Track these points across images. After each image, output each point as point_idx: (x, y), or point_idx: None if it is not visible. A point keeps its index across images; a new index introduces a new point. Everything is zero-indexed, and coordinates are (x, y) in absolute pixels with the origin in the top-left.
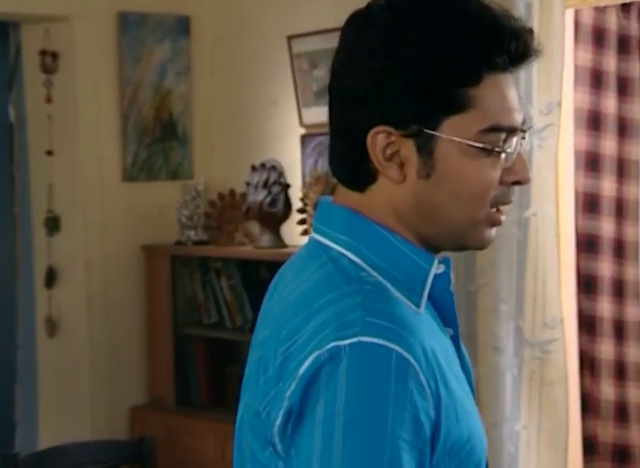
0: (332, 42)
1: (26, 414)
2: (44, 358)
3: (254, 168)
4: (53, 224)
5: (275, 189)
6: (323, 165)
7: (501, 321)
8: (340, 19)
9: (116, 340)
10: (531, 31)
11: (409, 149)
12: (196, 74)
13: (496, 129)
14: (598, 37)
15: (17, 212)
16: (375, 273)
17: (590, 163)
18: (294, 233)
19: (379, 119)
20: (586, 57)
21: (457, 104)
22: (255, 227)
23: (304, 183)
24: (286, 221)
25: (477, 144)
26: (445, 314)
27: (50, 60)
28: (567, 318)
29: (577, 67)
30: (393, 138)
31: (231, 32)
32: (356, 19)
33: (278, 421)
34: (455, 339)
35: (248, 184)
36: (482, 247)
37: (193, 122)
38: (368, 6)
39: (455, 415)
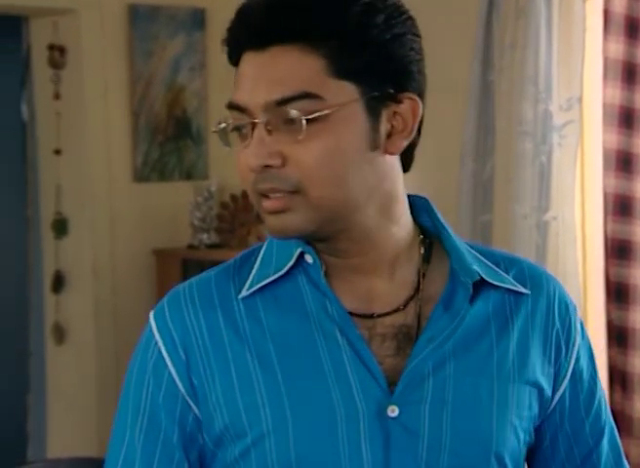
0: None
1: (37, 425)
2: (52, 366)
3: None
4: (60, 227)
5: None
6: None
7: None
8: None
9: (126, 348)
10: (272, 8)
11: None
12: (211, 70)
13: (228, 106)
14: (631, 27)
15: (29, 213)
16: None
17: (622, 163)
18: None
19: None
20: (618, 48)
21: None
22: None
23: None
24: None
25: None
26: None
27: (58, 55)
28: (594, 329)
29: (607, 60)
30: None
31: None
32: None
33: None
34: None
35: None
36: (272, 236)
37: (209, 120)
38: None
39: (223, 401)
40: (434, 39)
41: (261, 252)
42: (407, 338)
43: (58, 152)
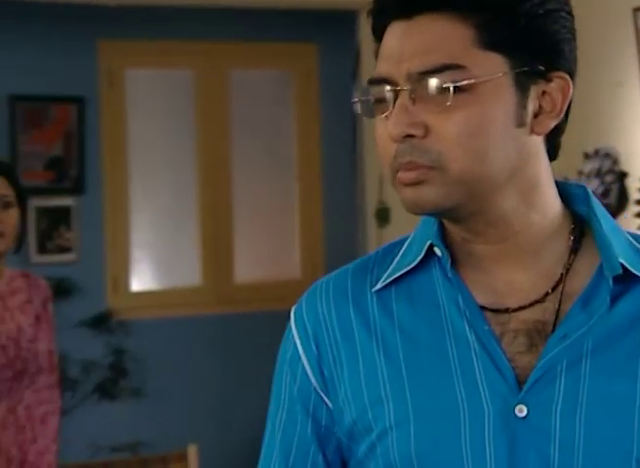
0: None
1: None
2: None
3: (586, 155)
4: (383, 216)
5: (608, 179)
6: None
7: None
8: None
9: None
10: None
11: None
12: None
13: (372, 80)
14: None
15: (358, 202)
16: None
17: None
18: (631, 225)
19: None
20: None
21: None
22: None
23: None
24: (621, 213)
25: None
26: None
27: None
28: None
29: None
30: None
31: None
32: None
33: None
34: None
35: (580, 173)
36: (407, 210)
37: None
38: None
39: (351, 395)
40: None
41: (406, 243)
42: (541, 335)
43: None
